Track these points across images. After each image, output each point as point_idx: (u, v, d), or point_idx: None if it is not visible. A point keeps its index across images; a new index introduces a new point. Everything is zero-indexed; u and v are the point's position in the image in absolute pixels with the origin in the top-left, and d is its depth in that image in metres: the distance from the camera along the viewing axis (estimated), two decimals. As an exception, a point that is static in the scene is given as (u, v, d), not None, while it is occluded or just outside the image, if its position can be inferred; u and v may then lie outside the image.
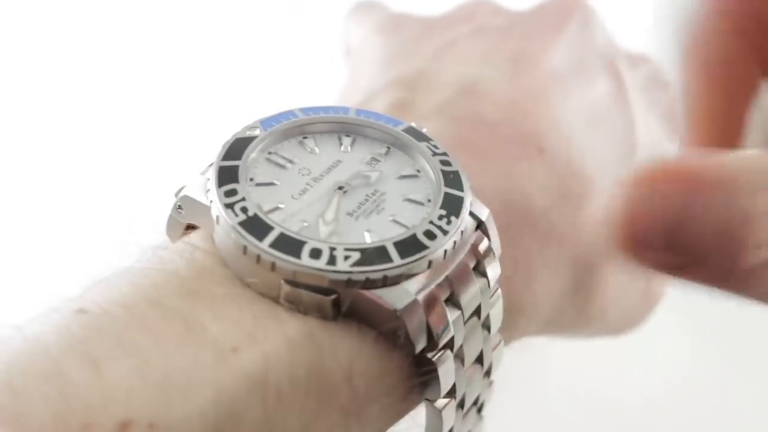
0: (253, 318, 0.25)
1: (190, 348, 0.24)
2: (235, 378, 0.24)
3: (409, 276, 0.26)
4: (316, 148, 0.31)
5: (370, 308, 0.26)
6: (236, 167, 0.28)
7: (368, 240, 0.27)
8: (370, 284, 0.26)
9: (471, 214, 0.29)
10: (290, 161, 0.30)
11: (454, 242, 0.28)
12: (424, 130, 0.32)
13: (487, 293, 0.29)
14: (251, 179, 0.29)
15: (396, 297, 0.26)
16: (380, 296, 0.26)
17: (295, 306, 0.26)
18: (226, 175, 0.28)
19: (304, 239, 0.26)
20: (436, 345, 0.27)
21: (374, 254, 0.26)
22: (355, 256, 0.26)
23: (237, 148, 0.29)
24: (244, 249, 0.26)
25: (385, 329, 0.26)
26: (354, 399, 0.26)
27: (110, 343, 0.24)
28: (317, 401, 0.25)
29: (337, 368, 0.26)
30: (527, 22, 0.42)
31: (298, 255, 0.26)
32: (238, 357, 0.24)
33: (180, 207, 0.29)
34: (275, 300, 0.26)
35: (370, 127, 0.31)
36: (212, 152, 0.30)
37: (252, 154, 0.29)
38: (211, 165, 0.29)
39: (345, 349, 0.26)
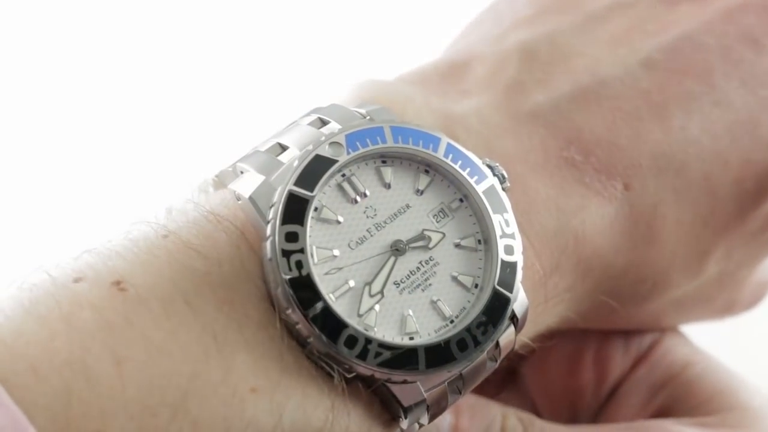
0: (280, 362, 0.27)
1: (214, 373, 0.26)
2: (244, 424, 0.26)
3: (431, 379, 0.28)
4: (392, 181, 0.30)
5: (383, 391, 0.28)
6: (305, 202, 0.28)
7: (404, 328, 0.28)
8: (390, 380, 0.27)
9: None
10: (361, 194, 0.29)
11: (482, 350, 0.28)
12: (505, 185, 0.31)
13: (491, 369, 0.31)
14: (317, 209, 0.29)
15: (408, 394, 0.28)
16: (395, 390, 0.28)
17: (320, 362, 0.27)
18: (293, 211, 0.28)
19: (344, 322, 0.27)
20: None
21: (404, 358, 0.27)
22: (386, 355, 0.27)
23: (314, 171, 0.29)
24: (287, 305, 0.27)
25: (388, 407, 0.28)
26: None
27: (139, 340, 0.25)
28: None
29: None
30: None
31: (334, 340, 0.27)
32: (254, 402, 0.26)
33: (238, 198, 0.29)
34: (302, 346, 0.27)
35: (452, 173, 0.30)
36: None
37: (327, 181, 0.29)
38: (275, 173, 0.29)
39: (354, 420, 0.28)
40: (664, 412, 0.39)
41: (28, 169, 0.62)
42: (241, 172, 0.30)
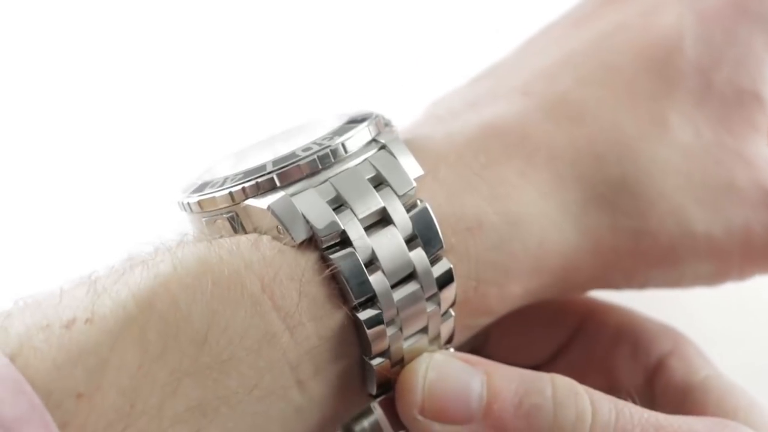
0: (179, 242, 0.30)
1: (124, 265, 0.29)
2: (149, 278, 0.28)
3: (288, 184, 0.31)
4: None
5: (257, 216, 0.31)
6: None
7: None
8: (249, 193, 0.31)
9: (374, 141, 0.32)
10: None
11: (331, 152, 0.31)
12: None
13: (396, 202, 0.31)
14: None
15: (269, 198, 0.30)
16: (256, 201, 0.30)
17: (216, 235, 0.31)
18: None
19: (211, 180, 0.32)
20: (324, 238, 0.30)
21: (253, 170, 0.31)
22: (239, 177, 0.31)
23: None
24: (179, 205, 0.33)
25: (271, 230, 0.30)
26: (264, 286, 0.29)
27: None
28: (223, 289, 0.29)
29: (239, 260, 0.29)
30: None
31: (202, 190, 0.32)
32: (155, 265, 0.29)
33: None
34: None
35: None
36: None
37: None
38: None
39: (245, 249, 0.30)
40: None
41: (27, 169, 0.61)
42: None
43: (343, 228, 0.30)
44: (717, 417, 0.34)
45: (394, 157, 0.32)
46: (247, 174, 0.31)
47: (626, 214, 0.36)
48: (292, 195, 0.30)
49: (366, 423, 0.34)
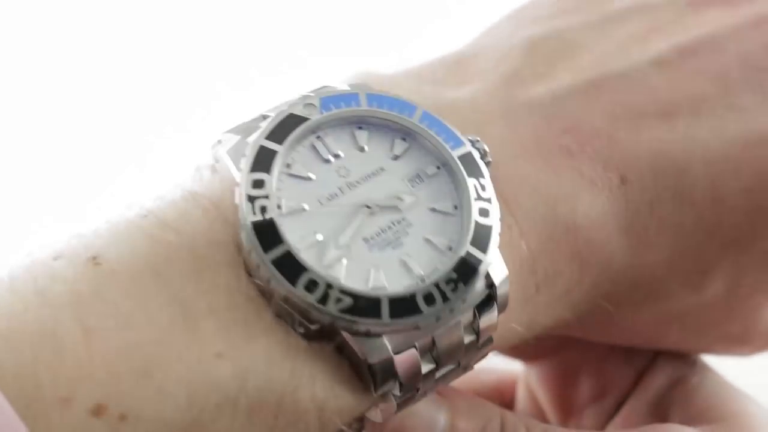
0: (245, 326, 0.26)
1: (179, 339, 0.25)
2: (209, 389, 0.25)
3: (395, 332, 0.27)
4: (366, 146, 0.30)
5: (348, 348, 0.27)
6: (274, 154, 0.28)
7: (370, 282, 0.27)
8: (353, 331, 0.26)
9: (486, 276, 0.29)
10: (335, 155, 0.29)
11: (452, 309, 0.27)
12: (486, 159, 0.30)
13: (473, 349, 0.29)
14: (288, 165, 0.28)
15: (373, 350, 0.26)
16: (359, 344, 0.26)
17: (283, 318, 0.27)
18: (262, 160, 0.28)
19: (306, 266, 0.26)
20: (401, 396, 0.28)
21: (366, 306, 0.26)
22: (347, 301, 0.26)
23: (286, 126, 0.29)
24: (250, 248, 0.26)
25: (354, 366, 0.27)
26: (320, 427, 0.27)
27: (108, 311, 0.25)
28: (284, 425, 0.27)
29: (310, 400, 0.27)
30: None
31: (294, 282, 0.26)
32: (218, 366, 0.25)
33: (216, 160, 0.29)
34: (267, 304, 0.27)
35: (428, 140, 0.30)
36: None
37: (299, 139, 0.29)
38: (253, 133, 0.29)
39: (320, 385, 0.27)
40: (663, 420, 0.37)
41: (26, 158, 0.62)
42: (222, 141, 0.30)
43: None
44: (695, 413, 0.37)
45: (496, 306, 0.29)
46: (358, 309, 0.26)
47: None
48: (396, 353, 0.27)
49: None
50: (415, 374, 0.28)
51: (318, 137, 0.29)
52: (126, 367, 0.25)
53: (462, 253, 0.28)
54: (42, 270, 0.26)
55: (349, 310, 0.26)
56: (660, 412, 0.38)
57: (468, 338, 0.29)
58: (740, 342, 0.40)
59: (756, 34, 0.36)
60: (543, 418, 0.41)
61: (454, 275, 0.28)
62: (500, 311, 0.29)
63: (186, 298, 0.26)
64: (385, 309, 0.26)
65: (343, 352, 0.27)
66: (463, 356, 0.29)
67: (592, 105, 0.34)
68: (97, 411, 0.24)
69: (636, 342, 0.39)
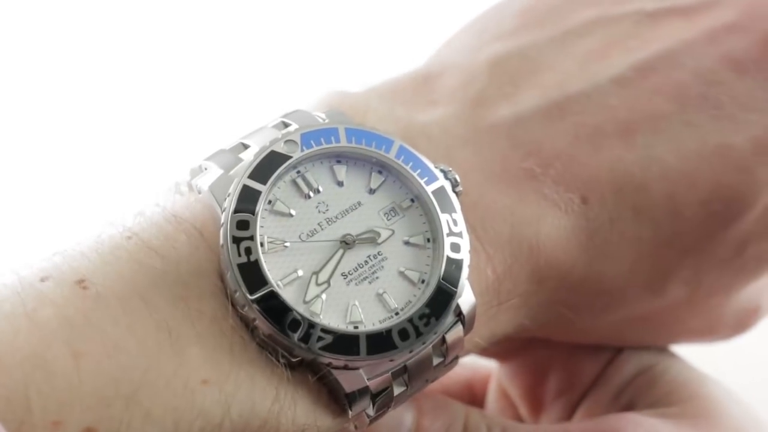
0: (230, 354, 0.28)
1: (167, 365, 0.27)
2: (195, 414, 0.27)
3: (372, 365, 0.29)
4: (345, 180, 0.31)
5: (327, 378, 0.29)
6: (258, 194, 0.29)
7: (348, 317, 0.29)
8: (332, 366, 0.28)
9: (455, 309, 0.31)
10: (315, 190, 0.31)
11: (424, 342, 0.29)
12: (458, 189, 0.32)
13: (440, 367, 0.31)
14: (270, 202, 0.30)
15: (350, 381, 0.29)
16: (337, 376, 0.29)
17: (266, 349, 0.28)
18: (246, 200, 0.29)
19: (288, 305, 0.28)
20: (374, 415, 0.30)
21: (345, 343, 0.28)
22: (328, 339, 0.28)
23: (268, 165, 0.30)
24: (236, 288, 0.28)
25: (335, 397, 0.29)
26: None
27: (97, 336, 0.26)
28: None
29: (292, 429, 0.28)
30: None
31: (278, 322, 0.28)
32: (204, 393, 0.27)
33: (199, 191, 0.30)
34: (251, 334, 0.28)
35: (404, 175, 0.32)
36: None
37: (281, 176, 0.30)
38: (235, 167, 0.30)
39: (301, 410, 0.29)
40: (628, 408, 0.39)
41: (13, 167, 0.63)
42: (206, 169, 0.31)
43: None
44: (658, 397, 0.39)
45: (463, 327, 0.31)
46: (337, 347, 0.28)
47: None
48: (369, 379, 0.29)
49: None
50: (387, 397, 0.30)
51: (298, 172, 0.31)
52: (115, 392, 0.26)
53: (434, 286, 0.30)
54: (30, 292, 0.27)
55: (330, 348, 0.28)
56: (624, 400, 0.40)
57: (436, 360, 0.31)
58: (704, 334, 0.42)
59: (711, 49, 0.37)
60: (515, 413, 0.43)
61: (427, 310, 0.29)
62: (466, 333, 0.32)
63: (173, 325, 0.27)
64: (362, 346, 0.28)
65: (321, 380, 0.29)
66: (431, 375, 0.31)
67: (555, 127, 0.36)
68: None
69: (599, 341, 0.41)
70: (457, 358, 0.32)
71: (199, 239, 0.30)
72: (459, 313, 0.31)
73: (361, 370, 0.29)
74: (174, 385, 0.27)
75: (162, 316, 0.27)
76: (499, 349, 0.43)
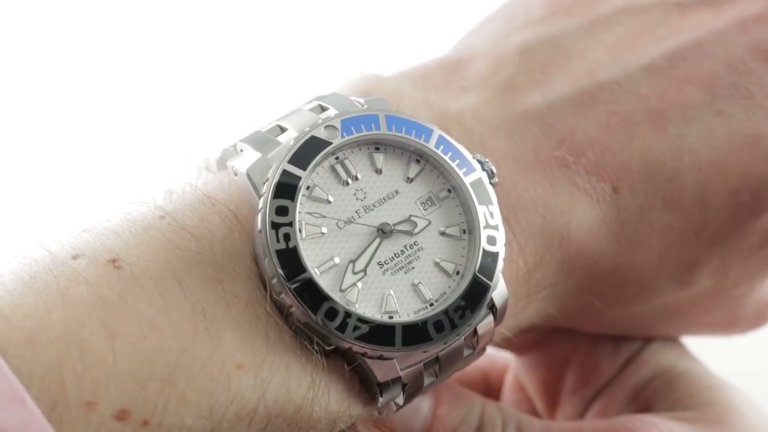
0: (266, 339, 0.28)
1: (202, 349, 0.27)
2: (230, 399, 0.27)
3: (405, 355, 0.29)
4: (383, 167, 0.31)
5: (361, 367, 0.29)
6: (297, 179, 0.29)
7: (383, 306, 0.29)
8: (367, 356, 0.28)
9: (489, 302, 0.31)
10: (353, 177, 0.31)
11: (458, 334, 0.29)
12: (494, 181, 0.32)
13: (469, 358, 0.32)
14: (309, 188, 0.30)
15: (384, 370, 0.29)
16: (372, 366, 0.29)
17: (300, 335, 0.28)
18: (285, 187, 0.29)
19: (325, 294, 0.28)
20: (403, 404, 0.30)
21: (381, 334, 0.28)
22: (364, 329, 0.28)
23: (308, 150, 0.30)
24: (273, 275, 0.28)
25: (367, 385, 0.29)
26: None
27: (132, 316, 0.26)
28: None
29: (324, 416, 0.29)
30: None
31: (315, 310, 0.28)
32: (239, 377, 0.27)
33: (235, 173, 0.30)
34: (286, 320, 0.29)
35: (442, 165, 0.31)
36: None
37: (320, 163, 0.30)
38: (272, 150, 0.30)
39: (334, 398, 0.29)
40: (645, 409, 0.39)
41: (36, 152, 0.63)
42: (241, 150, 0.31)
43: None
44: (676, 400, 0.39)
45: (494, 319, 0.31)
46: (373, 337, 0.28)
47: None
48: (403, 370, 0.30)
49: None
50: (418, 388, 0.30)
51: (337, 159, 0.31)
52: (150, 374, 0.26)
53: (469, 279, 0.30)
54: (63, 270, 0.27)
55: (365, 338, 0.28)
56: (641, 401, 0.40)
57: (467, 351, 0.31)
58: (726, 326, 0.42)
59: (741, 39, 0.37)
60: (530, 406, 0.43)
61: (462, 303, 0.30)
62: (496, 325, 0.32)
63: (208, 308, 0.27)
64: (398, 337, 0.28)
65: (354, 369, 0.29)
66: (460, 366, 0.32)
67: (587, 115, 0.35)
68: (121, 415, 0.25)
69: (623, 332, 0.41)
70: (485, 348, 0.32)
71: (233, 222, 0.30)
72: (492, 306, 0.31)
73: (394, 360, 0.29)
74: (209, 368, 0.27)
75: (197, 298, 0.27)
76: (519, 341, 0.42)
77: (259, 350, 0.28)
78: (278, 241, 0.28)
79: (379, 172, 0.31)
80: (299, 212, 0.29)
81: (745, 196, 0.36)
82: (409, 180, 0.31)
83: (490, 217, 0.31)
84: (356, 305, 0.29)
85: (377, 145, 0.31)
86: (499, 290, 0.31)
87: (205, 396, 0.26)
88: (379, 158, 0.31)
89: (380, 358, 0.28)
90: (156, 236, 0.28)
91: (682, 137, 0.35)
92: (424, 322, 0.29)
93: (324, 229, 0.29)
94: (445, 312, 0.29)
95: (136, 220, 0.29)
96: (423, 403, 0.35)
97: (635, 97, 0.36)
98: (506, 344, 0.42)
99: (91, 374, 0.25)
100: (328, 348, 0.28)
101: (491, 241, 0.31)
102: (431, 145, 0.31)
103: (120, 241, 0.28)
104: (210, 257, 0.28)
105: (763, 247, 0.38)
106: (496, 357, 0.45)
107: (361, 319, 0.28)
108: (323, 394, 0.29)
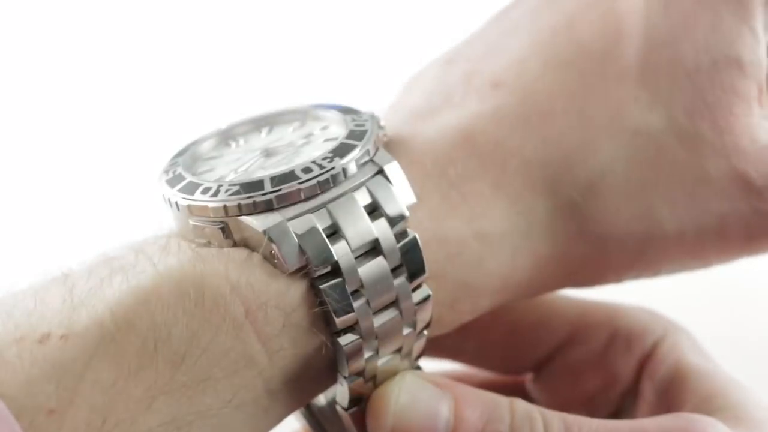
0: (162, 249, 0.31)
1: (103, 271, 0.29)
2: (129, 293, 0.28)
3: (285, 206, 0.30)
4: (270, 135, 0.36)
5: (250, 233, 0.30)
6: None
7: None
8: (245, 210, 0.30)
9: (372, 162, 0.32)
10: (240, 142, 0.36)
11: (331, 177, 0.31)
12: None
13: (388, 232, 0.31)
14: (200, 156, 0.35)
15: (266, 220, 0.30)
16: (252, 220, 0.30)
17: (201, 239, 0.31)
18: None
19: (203, 183, 0.32)
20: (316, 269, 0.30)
21: (250, 186, 0.31)
22: (235, 189, 0.31)
23: None
24: (164, 198, 0.32)
25: (264, 251, 0.30)
26: (248, 313, 0.29)
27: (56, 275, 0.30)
28: (206, 311, 0.29)
29: (225, 282, 0.29)
30: None
31: (192, 193, 0.31)
32: (135, 275, 0.29)
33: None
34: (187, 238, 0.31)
35: (324, 111, 0.36)
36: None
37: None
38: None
39: (233, 269, 0.30)
40: (671, 410, 0.37)
41: (28, 166, 0.65)
42: None
43: (336, 260, 0.30)
44: (697, 403, 0.36)
45: (390, 183, 0.32)
46: (244, 189, 0.31)
47: (593, 219, 0.35)
48: (289, 219, 0.30)
49: (323, 399, 0.36)
50: (317, 242, 0.30)
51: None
52: (64, 301, 0.28)
53: (338, 143, 0.33)
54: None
55: (236, 193, 0.30)
56: (667, 401, 0.37)
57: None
58: (741, 191, 0.36)
59: None
60: None
61: (330, 154, 0.32)
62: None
63: (116, 254, 0.30)
64: (267, 184, 0.31)
65: (249, 246, 0.30)
66: (375, 236, 0.31)
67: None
68: (43, 339, 0.27)
69: (631, 275, 0.38)
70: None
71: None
72: (380, 170, 0.32)
73: (277, 211, 0.30)
74: (112, 283, 0.29)
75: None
76: (526, 361, 0.42)
77: (153, 255, 0.30)
78: (167, 175, 0.33)
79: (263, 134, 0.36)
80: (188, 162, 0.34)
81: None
82: (294, 131, 0.36)
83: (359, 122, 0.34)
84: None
85: (269, 125, 0.37)
86: (382, 155, 0.33)
87: (109, 300, 0.28)
88: (265, 130, 0.37)
89: (255, 207, 0.30)
90: None
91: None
92: (291, 171, 0.31)
93: (213, 166, 0.34)
94: (313, 161, 0.31)
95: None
96: (441, 406, 0.32)
97: None
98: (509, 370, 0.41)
99: (21, 320, 0.27)
100: (216, 227, 0.31)
101: (358, 124, 0.34)
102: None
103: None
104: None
105: (678, 64, 0.35)
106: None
107: (233, 184, 0.31)
108: (221, 270, 0.29)
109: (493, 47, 0.38)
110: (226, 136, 0.36)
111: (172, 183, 0.32)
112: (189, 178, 0.32)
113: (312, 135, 0.35)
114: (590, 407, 0.40)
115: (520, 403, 0.33)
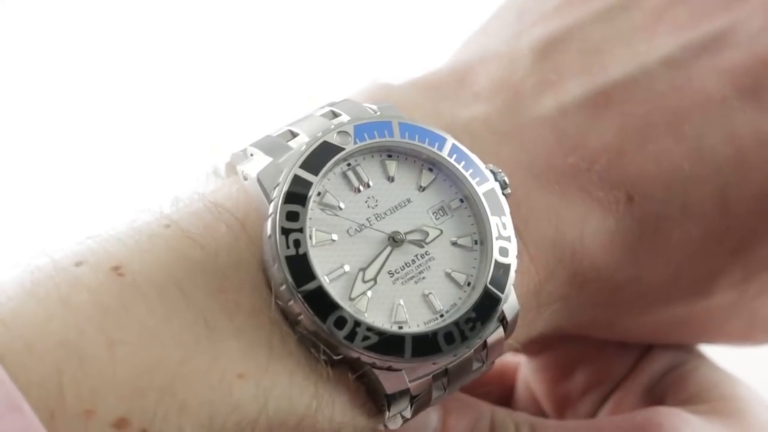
0: (269, 348, 0.27)
1: (203, 359, 0.26)
2: (230, 409, 0.26)
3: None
4: (395, 175, 0.31)
5: (368, 378, 0.28)
6: (309, 185, 0.29)
7: (393, 316, 0.29)
8: (376, 366, 0.28)
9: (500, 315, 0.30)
10: (365, 184, 0.30)
11: (468, 347, 0.29)
12: (507, 192, 0.31)
13: (477, 372, 0.31)
14: (320, 194, 0.29)
15: (392, 382, 0.28)
16: (379, 377, 0.28)
17: (305, 344, 0.28)
18: (296, 192, 0.29)
19: (335, 302, 0.28)
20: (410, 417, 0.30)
21: (390, 344, 0.28)
22: (373, 339, 0.27)
23: (321, 156, 0.29)
24: (282, 281, 0.28)
25: (374, 397, 0.29)
26: None
27: (132, 325, 0.26)
28: None
29: (328, 427, 0.28)
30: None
31: (324, 318, 0.27)
32: (240, 387, 0.26)
33: (245, 178, 0.30)
34: (292, 328, 0.28)
35: (455, 174, 0.31)
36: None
37: (332, 168, 0.30)
38: (283, 155, 0.29)
39: (338, 408, 0.28)
40: (658, 404, 0.38)
41: (40, 158, 0.63)
42: (252, 155, 0.30)
43: None
44: (690, 400, 0.38)
45: None
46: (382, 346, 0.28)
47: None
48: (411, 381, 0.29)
49: None
50: (426, 400, 0.30)
51: (349, 165, 0.30)
52: (149, 382, 0.25)
53: (481, 290, 0.29)
54: (65, 277, 0.26)
55: (374, 348, 0.27)
56: (654, 397, 0.39)
57: (476, 365, 0.31)
58: (743, 337, 0.40)
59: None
60: (539, 409, 0.42)
61: (473, 314, 0.29)
62: (506, 338, 0.31)
63: (210, 317, 0.27)
64: (408, 348, 0.28)
65: (360, 378, 0.29)
66: (468, 379, 0.31)
67: (601, 117, 0.34)
68: (120, 424, 0.25)
69: (637, 340, 0.40)
70: (493, 362, 0.32)
71: (239, 230, 0.29)
72: (502, 318, 0.30)
73: (403, 372, 0.28)
74: (210, 377, 0.26)
75: (199, 307, 0.27)
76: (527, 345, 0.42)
77: (261, 359, 0.27)
78: (288, 247, 0.28)
79: (391, 179, 0.31)
80: (310, 218, 0.29)
81: None
82: (422, 189, 0.31)
83: (502, 228, 0.31)
84: (366, 314, 0.28)
85: (390, 152, 0.31)
86: (510, 303, 0.30)
87: (206, 405, 0.26)
88: (392, 166, 0.31)
89: (389, 369, 0.28)
90: (160, 244, 0.28)
91: (700, 138, 0.33)
92: (434, 333, 0.28)
93: (334, 236, 0.29)
94: (456, 323, 0.29)
95: (140, 228, 0.28)
96: (431, 415, 0.34)
97: (652, 94, 0.34)
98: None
99: (90, 383, 0.25)
100: (335, 357, 0.28)
101: (503, 252, 0.30)
102: (444, 153, 0.31)
103: (124, 248, 0.28)
104: (214, 266, 0.28)
105: None
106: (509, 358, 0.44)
107: (371, 329, 0.28)
108: (327, 404, 0.28)
109: None
110: (346, 162, 0.30)
111: (295, 269, 0.27)
112: (316, 274, 0.27)
113: (441, 215, 0.30)
114: (581, 402, 0.41)
115: (500, 413, 0.35)
